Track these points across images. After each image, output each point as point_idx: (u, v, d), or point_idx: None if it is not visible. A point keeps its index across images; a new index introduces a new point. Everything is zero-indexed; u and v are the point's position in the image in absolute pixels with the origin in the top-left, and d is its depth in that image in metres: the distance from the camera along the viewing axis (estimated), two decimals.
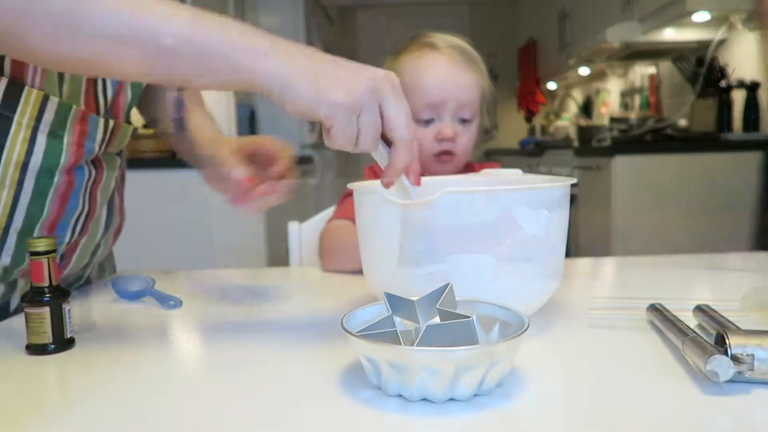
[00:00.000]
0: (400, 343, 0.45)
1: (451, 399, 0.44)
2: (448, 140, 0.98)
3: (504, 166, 0.85)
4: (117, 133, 0.79)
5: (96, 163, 0.79)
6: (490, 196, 0.58)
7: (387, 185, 0.59)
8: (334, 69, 0.55)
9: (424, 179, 0.62)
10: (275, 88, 0.54)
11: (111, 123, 0.77)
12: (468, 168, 1.07)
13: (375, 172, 1.01)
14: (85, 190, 0.77)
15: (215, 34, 0.55)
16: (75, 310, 0.61)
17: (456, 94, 0.98)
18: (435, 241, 0.58)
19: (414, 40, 1.04)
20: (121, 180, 0.90)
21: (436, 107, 0.98)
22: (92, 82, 0.75)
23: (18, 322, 0.65)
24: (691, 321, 0.60)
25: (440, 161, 1.00)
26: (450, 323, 0.45)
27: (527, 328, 0.46)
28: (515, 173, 0.77)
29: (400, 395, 0.45)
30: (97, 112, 0.76)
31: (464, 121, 1.00)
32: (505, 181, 0.76)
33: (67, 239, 0.77)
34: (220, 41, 0.54)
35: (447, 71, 0.98)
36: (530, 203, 0.58)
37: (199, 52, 0.54)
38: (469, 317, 0.46)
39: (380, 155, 0.58)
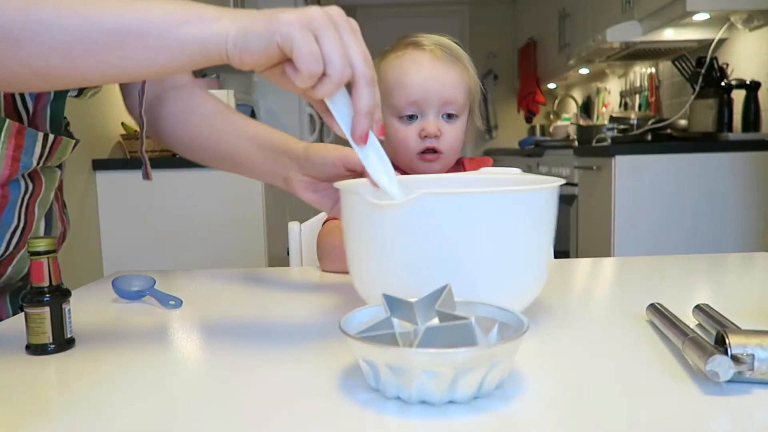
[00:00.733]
0: (399, 345, 0.45)
1: (451, 401, 0.44)
2: (431, 137, 0.98)
3: (504, 165, 0.84)
4: (57, 148, 0.77)
5: (33, 176, 0.76)
6: (470, 198, 0.56)
7: (360, 139, 0.55)
8: (284, 11, 0.52)
9: (420, 177, 0.62)
10: (229, 43, 0.52)
11: (51, 137, 0.74)
12: (459, 164, 1.07)
13: None
14: (21, 204, 0.75)
15: (154, 13, 0.52)
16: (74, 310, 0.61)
17: (439, 90, 0.98)
18: (414, 243, 0.57)
19: (400, 40, 1.05)
20: (59, 188, 0.87)
21: (419, 104, 0.98)
22: (10, 94, 0.72)
23: (18, 322, 0.65)
24: (691, 321, 0.60)
25: (425, 159, 1.00)
26: (449, 325, 0.45)
27: (527, 329, 0.46)
28: (513, 172, 0.76)
29: (399, 397, 0.45)
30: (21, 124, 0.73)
31: (449, 118, 1.00)
32: (495, 181, 0.75)
33: (0, 253, 0.75)
34: (162, 18, 0.52)
35: (429, 67, 0.99)
36: (515, 204, 0.57)
37: (145, 33, 0.52)
38: (469, 319, 0.45)
39: (339, 106, 0.56)
